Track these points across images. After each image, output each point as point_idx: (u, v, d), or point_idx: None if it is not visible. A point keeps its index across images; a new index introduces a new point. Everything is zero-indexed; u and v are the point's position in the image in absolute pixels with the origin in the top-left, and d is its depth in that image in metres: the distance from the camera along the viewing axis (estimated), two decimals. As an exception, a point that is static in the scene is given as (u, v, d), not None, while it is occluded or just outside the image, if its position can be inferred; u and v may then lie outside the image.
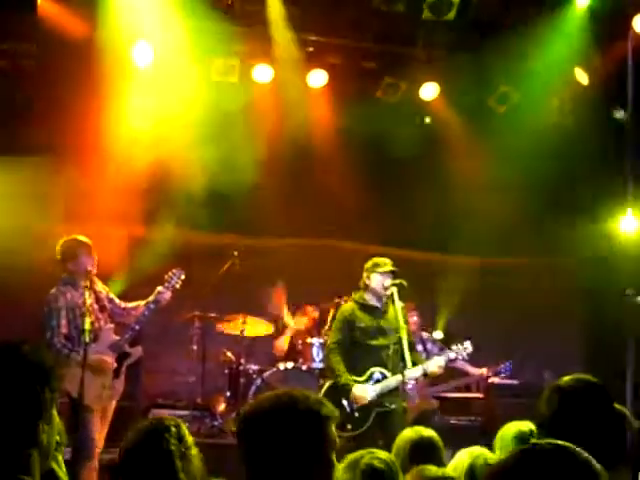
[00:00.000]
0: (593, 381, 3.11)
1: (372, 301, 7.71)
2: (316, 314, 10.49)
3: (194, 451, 3.28)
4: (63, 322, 7.41)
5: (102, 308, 7.60)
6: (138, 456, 3.27)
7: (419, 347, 9.22)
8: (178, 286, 7.77)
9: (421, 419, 8.63)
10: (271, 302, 10.56)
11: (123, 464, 3.25)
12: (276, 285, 10.58)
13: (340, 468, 3.52)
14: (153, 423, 3.38)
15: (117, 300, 7.81)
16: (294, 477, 2.58)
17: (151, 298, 7.66)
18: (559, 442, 1.88)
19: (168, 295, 7.66)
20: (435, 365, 7.70)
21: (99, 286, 7.71)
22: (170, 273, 7.77)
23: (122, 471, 3.24)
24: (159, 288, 7.65)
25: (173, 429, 3.26)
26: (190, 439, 3.32)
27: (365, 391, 7.45)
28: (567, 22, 9.81)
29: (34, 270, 9.02)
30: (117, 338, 7.54)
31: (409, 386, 8.51)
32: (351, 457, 3.70)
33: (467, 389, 10.37)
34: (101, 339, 7.37)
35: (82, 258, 7.45)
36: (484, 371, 9.68)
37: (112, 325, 7.62)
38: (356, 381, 7.51)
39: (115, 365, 7.45)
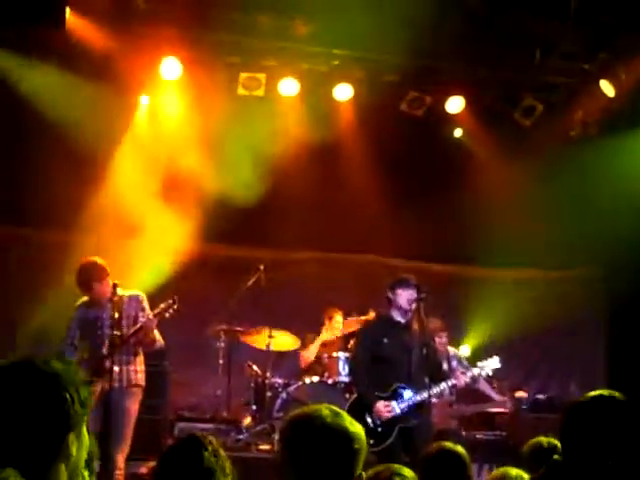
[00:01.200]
0: (607, 395, 3.08)
1: (397, 317, 7.71)
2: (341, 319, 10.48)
3: (229, 464, 3.32)
4: (71, 333, 7.60)
5: (116, 325, 7.65)
6: (176, 472, 3.30)
7: (444, 365, 9.14)
8: (168, 315, 7.78)
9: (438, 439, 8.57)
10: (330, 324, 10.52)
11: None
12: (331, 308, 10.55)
13: None
14: (189, 438, 3.42)
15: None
16: None
17: (135, 328, 7.66)
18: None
19: (154, 323, 7.66)
20: (460, 381, 7.70)
21: (137, 304, 7.83)
22: (166, 304, 7.75)
23: None
24: (149, 316, 7.65)
25: (209, 446, 3.30)
26: (223, 453, 3.36)
27: (388, 406, 7.44)
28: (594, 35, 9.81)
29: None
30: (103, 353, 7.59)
31: (434, 412, 8.54)
32: (372, 472, 3.71)
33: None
34: (97, 353, 7.50)
35: (95, 289, 7.60)
36: (505, 400, 9.51)
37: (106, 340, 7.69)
38: (380, 396, 7.49)
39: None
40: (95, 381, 7.46)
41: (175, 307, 7.73)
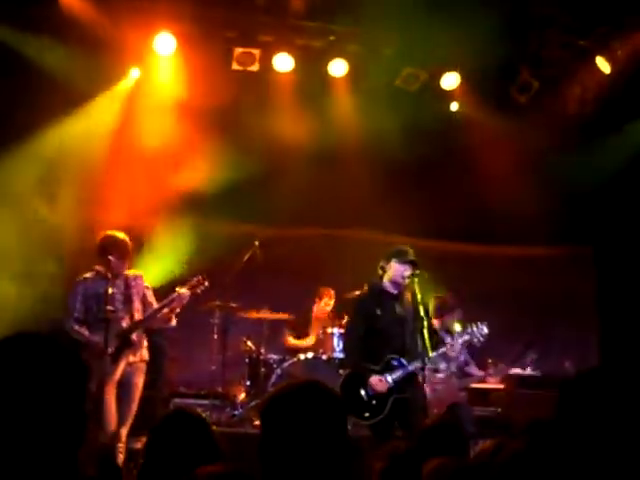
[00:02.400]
0: (603, 370, 3.08)
1: (389, 289, 7.69)
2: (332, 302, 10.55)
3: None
4: (78, 306, 7.58)
5: (128, 300, 7.73)
6: (173, 425, 3.34)
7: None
8: (199, 291, 7.87)
9: (450, 413, 8.55)
10: (318, 304, 10.59)
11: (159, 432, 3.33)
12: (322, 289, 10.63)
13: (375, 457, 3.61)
14: (176, 411, 3.47)
15: (152, 303, 7.96)
16: (316, 460, 2.64)
17: (167, 300, 7.75)
18: None
19: (186, 299, 7.74)
20: (452, 349, 7.71)
21: (142, 282, 7.96)
22: (196, 280, 7.86)
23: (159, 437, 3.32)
24: (181, 291, 7.72)
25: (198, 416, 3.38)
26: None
27: (382, 379, 7.44)
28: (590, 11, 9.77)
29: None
30: (125, 327, 7.66)
31: (438, 378, 8.54)
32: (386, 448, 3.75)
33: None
34: (112, 327, 7.45)
35: (114, 259, 7.59)
36: (484, 375, 9.46)
37: (125, 316, 7.72)
38: (373, 369, 7.50)
39: (112, 351, 7.52)
40: (120, 356, 7.57)
41: (206, 284, 7.87)
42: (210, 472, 1.81)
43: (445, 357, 8.70)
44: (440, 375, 8.77)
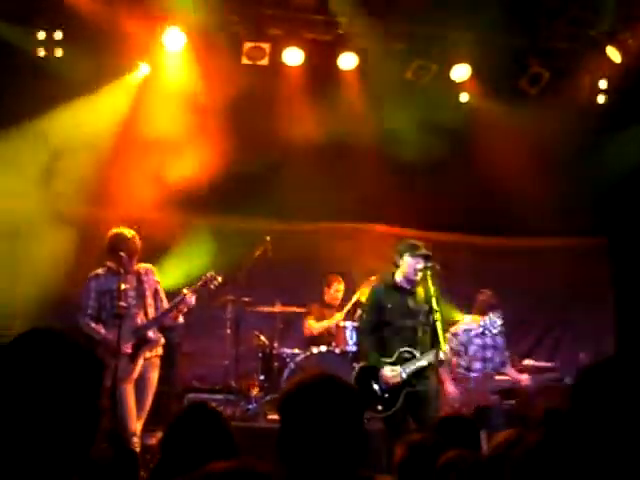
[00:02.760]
0: (620, 360, 3.06)
1: (402, 283, 7.69)
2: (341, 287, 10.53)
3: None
4: (91, 303, 7.60)
5: (140, 296, 7.76)
6: (191, 419, 3.35)
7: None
8: (212, 287, 7.91)
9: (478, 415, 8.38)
10: (328, 292, 10.58)
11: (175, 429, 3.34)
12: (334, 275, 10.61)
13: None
14: (197, 405, 3.50)
15: (163, 299, 8.01)
16: (334, 449, 2.67)
17: (174, 302, 7.82)
18: None
19: (192, 301, 7.76)
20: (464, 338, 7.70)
21: (153, 276, 7.99)
22: (208, 276, 7.90)
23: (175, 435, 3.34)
24: (187, 293, 7.75)
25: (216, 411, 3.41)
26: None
27: (394, 372, 7.44)
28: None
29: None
30: (140, 324, 7.68)
31: (471, 377, 8.51)
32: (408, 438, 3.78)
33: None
34: (125, 324, 7.47)
35: (124, 256, 7.60)
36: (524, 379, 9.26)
37: (139, 312, 7.75)
38: (386, 362, 7.49)
39: (130, 350, 7.56)
40: (138, 354, 7.61)
41: (219, 279, 7.99)
42: (222, 468, 1.81)
43: (483, 358, 8.72)
44: (474, 375, 8.70)
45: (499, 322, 8.03)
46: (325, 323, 10.23)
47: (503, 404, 9.00)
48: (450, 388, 8.55)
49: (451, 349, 8.25)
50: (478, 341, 8.71)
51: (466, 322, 8.87)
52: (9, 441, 1.99)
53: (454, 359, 8.67)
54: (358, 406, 2.78)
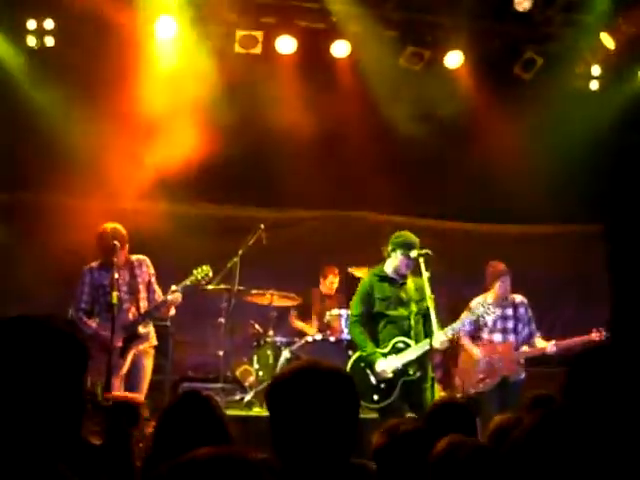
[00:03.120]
0: (612, 346, 3.07)
1: (392, 274, 7.68)
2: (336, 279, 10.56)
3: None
4: (85, 297, 7.62)
5: (133, 289, 7.77)
6: (185, 408, 3.35)
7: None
8: (204, 282, 8.12)
9: (502, 387, 8.48)
10: (324, 283, 10.60)
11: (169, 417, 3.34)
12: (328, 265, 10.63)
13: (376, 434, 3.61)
14: (191, 393, 3.50)
15: (156, 291, 8.02)
16: (323, 437, 2.65)
17: (161, 301, 7.89)
18: None
19: (179, 300, 7.85)
20: (458, 327, 7.66)
21: (147, 269, 8.04)
22: (196, 275, 7.90)
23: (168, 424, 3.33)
24: (174, 294, 7.77)
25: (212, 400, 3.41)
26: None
27: (388, 365, 7.42)
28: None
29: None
30: (131, 319, 7.70)
31: (496, 348, 8.50)
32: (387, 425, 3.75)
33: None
34: (117, 318, 7.47)
35: (116, 254, 7.62)
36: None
37: (130, 306, 7.76)
38: (381, 353, 7.48)
39: (120, 345, 7.58)
40: (128, 350, 7.62)
41: (210, 275, 8.08)
42: (206, 454, 1.81)
43: (503, 329, 8.70)
44: (498, 345, 8.66)
45: (493, 309, 7.98)
46: (306, 327, 10.35)
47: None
48: (476, 352, 8.62)
49: (470, 323, 8.23)
50: (497, 311, 8.65)
51: (482, 297, 8.82)
52: None
53: (471, 335, 8.74)
54: (347, 393, 2.74)
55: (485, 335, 8.76)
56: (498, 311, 8.53)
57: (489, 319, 8.34)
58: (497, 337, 8.74)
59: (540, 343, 8.82)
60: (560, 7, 10.09)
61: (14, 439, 2.01)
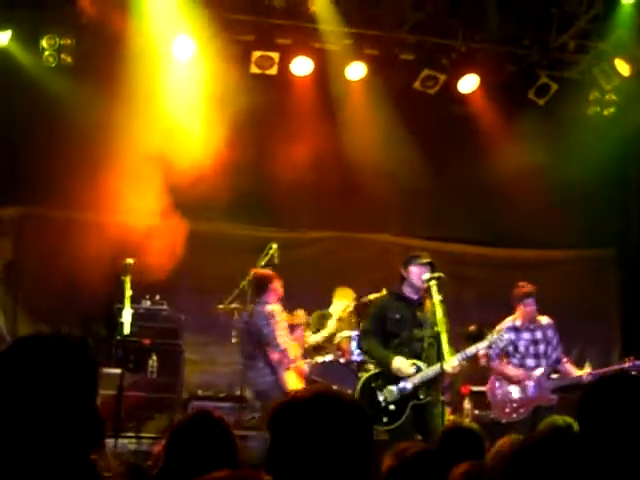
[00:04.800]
0: (627, 374, 3.07)
1: (409, 294, 7.65)
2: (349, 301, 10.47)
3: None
4: None
5: None
6: (196, 428, 3.35)
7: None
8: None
9: (535, 416, 8.25)
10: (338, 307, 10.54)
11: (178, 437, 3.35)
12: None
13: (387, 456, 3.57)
14: (200, 413, 3.50)
15: None
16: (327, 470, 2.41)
17: None
18: None
19: None
20: (470, 353, 7.61)
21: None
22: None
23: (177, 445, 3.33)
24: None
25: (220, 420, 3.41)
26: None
27: (407, 363, 7.36)
28: (610, 14, 9.75)
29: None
30: None
31: (530, 377, 8.43)
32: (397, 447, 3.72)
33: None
34: None
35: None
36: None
37: None
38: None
39: None
40: None
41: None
42: (218, 477, 1.81)
43: (535, 354, 8.59)
44: (533, 373, 8.57)
45: (507, 337, 7.94)
46: (323, 333, 10.21)
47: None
48: (508, 386, 8.51)
49: (500, 349, 8.22)
50: (527, 336, 8.53)
51: (510, 319, 8.75)
52: (9, 443, 2.02)
53: (505, 359, 8.62)
54: (355, 421, 2.48)
55: (516, 361, 8.61)
56: (527, 335, 8.50)
57: (500, 344, 8.28)
58: (529, 362, 8.59)
59: (571, 369, 8.69)
60: (575, 33, 10.12)
61: (30, 455, 2.02)
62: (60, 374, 2.12)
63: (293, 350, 8.42)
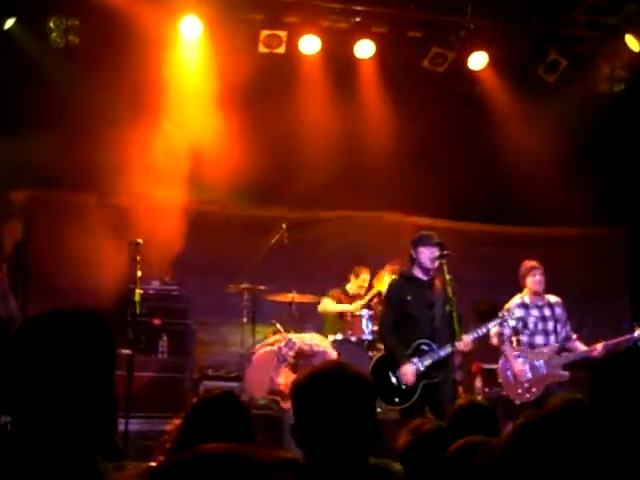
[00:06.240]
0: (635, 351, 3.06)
1: (419, 274, 7.65)
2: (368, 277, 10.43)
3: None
4: None
5: None
6: (219, 408, 3.37)
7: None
8: None
9: (547, 395, 8.15)
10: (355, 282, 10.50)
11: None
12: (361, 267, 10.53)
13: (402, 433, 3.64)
14: (223, 393, 3.52)
15: None
16: (344, 438, 2.73)
17: None
18: None
19: None
20: (482, 331, 7.62)
21: None
22: None
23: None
24: None
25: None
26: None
27: (412, 369, 7.37)
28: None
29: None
30: None
31: (538, 355, 8.42)
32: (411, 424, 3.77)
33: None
34: None
35: None
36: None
37: None
38: (409, 354, 7.45)
39: None
40: None
41: None
42: (213, 449, 1.82)
43: (544, 331, 8.57)
44: (539, 351, 8.55)
45: (517, 314, 7.95)
46: (344, 307, 10.16)
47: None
48: (518, 367, 8.46)
49: (509, 327, 8.24)
50: (536, 312, 8.51)
51: (518, 296, 8.74)
52: (31, 422, 2.03)
53: (514, 337, 8.60)
54: (366, 394, 2.82)
55: (525, 338, 8.59)
56: (536, 312, 8.49)
57: (512, 323, 8.26)
58: (539, 340, 8.56)
59: (581, 346, 8.64)
60: (585, 9, 10.04)
61: (53, 429, 2.04)
62: (81, 351, 2.14)
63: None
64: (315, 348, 9.23)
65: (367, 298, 10.07)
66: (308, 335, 9.50)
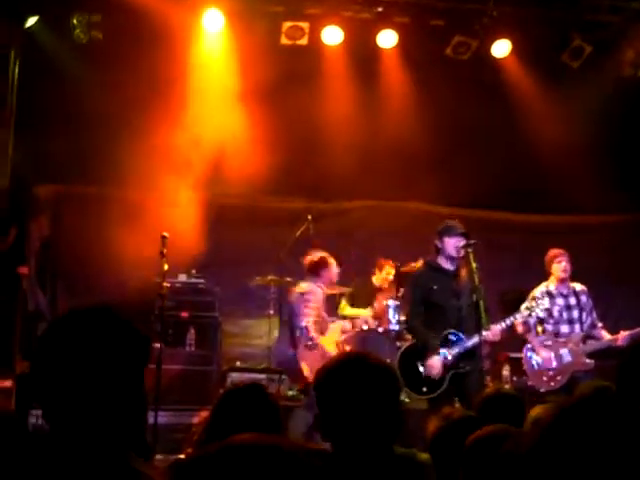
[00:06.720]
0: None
1: (445, 264, 7.63)
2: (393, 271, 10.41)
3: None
4: None
5: None
6: (247, 400, 3.39)
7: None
8: None
9: (573, 384, 8.12)
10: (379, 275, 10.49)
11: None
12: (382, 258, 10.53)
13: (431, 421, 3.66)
14: (250, 384, 3.53)
15: None
16: (367, 428, 2.77)
17: None
18: None
19: None
20: (510, 321, 7.60)
21: None
22: None
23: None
24: None
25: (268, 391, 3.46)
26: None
27: (439, 361, 7.36)
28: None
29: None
30: None
31: (563, 343, 8.39)
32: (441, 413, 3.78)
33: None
34: None
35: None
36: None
37: None
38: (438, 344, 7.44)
39: None
40: None
41: None
42: (245, 440, 1.83)
43: (569, 319, 8.57)
44: (565, 340, 8.55)
45: (546, 304, 7.93)
46: (358, 312, 10.19)
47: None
48: (543, 355, 8.46)
49: (534, 316, 8.22)
50: (561, 301, 8.52)
51: (543, 285, 8.72)
52: (65, 417, 2.04)
53: (539, 327, 8.58)
54: (388, 382, 2.86)
55: (550, 327, 8.59)
56: (561, 301, 8.47)
57: (540, 314, 8.24)
58: (564, 328, 8.56)
59: (606, 334, 8.61)
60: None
61: (88, 426, 2.06)
62: (117, 347, 2.15)
63: (313, 329, 8.51)
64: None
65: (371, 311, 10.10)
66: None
